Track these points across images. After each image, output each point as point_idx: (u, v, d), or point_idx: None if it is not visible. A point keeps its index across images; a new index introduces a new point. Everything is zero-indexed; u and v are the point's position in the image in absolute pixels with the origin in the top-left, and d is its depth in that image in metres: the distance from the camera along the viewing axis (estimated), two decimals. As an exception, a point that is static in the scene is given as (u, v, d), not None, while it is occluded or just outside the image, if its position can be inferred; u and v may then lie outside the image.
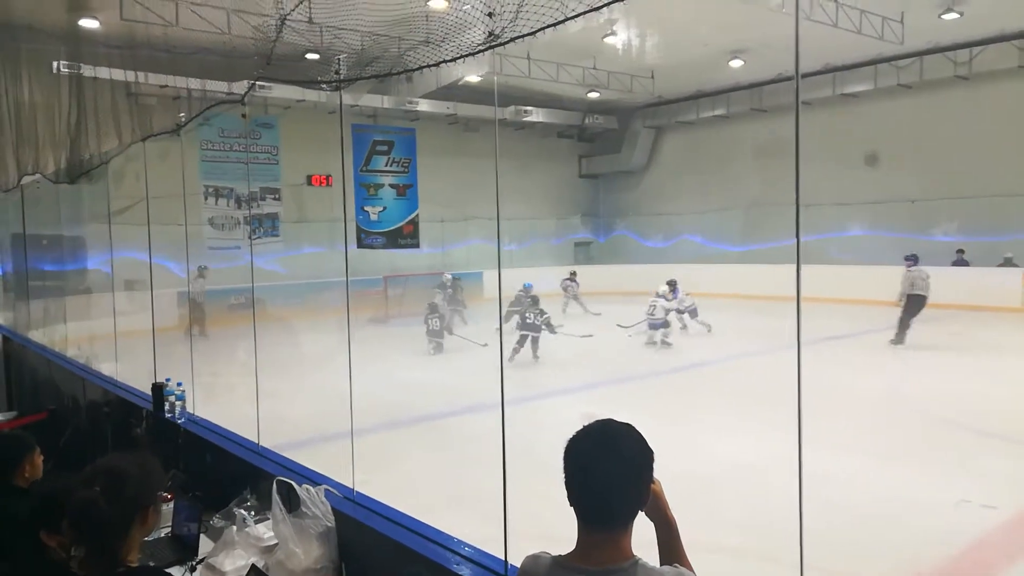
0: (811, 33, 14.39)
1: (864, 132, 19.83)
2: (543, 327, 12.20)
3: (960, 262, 17.72)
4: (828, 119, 19.99)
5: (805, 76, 19.78)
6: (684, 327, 14.60)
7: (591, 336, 14.30)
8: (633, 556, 1.56)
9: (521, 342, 12.02)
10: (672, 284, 14.60)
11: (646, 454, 1.61)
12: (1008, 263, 16.86)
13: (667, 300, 13.40)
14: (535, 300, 13.25)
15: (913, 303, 12.65)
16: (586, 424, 1.63)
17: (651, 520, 1.72)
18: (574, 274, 19.18)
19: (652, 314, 13.26)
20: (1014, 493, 5.55)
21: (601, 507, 1.56)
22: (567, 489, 1.58)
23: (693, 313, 14.61)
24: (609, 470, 1.55)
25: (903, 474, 6.06)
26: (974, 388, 9.29)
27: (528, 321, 12.15)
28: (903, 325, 12.57)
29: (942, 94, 18.42)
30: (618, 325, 14.05)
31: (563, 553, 1.61)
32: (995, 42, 16.84)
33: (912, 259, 13.31)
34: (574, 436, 1.61)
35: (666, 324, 13.20)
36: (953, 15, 15.16)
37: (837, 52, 17.57)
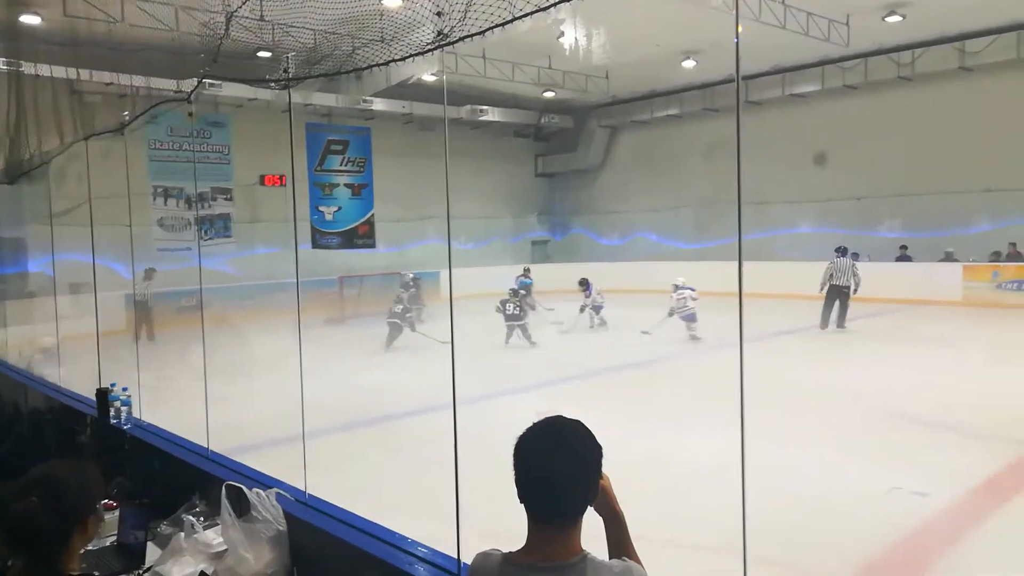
0: (760, 34, 14.70)
1: (812, 132, 20.33)
2: (525, 313, 13.54)
3: (903, 258, 18.31)
4: (777, 119, 20.44)
5: (754, 76, 20.19)
6: (592, 326, 15.13)
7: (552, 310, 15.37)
8: (582, 551, 1.58)
9: (508, 333, 13.21)
10: (584, 282, 15.48)
11: (595, 450, 1.62)
12: (949, 258, 17.47)
13: (693, 292, 13.67)
14: (514, 292, 14.13)
15: (831, 293, 13.93)
16: (536, 421, 1.64)
17: (600, 515, 1.74)
18: (527, 270, 18.98)
19: (684, 307, 13.49)
20: (951, 481, 5.74)
21: (551, 503, 1.57)
22: (517, 486, 1.59)
23: (598, 310, 15.26)
24: (558, 466, 1.56)
25: (848, 465, 6.22)
26: (918, 380, 9.59)
27: (508, 312, 13.31)
28: (824, 313, 13.96)
29: (886, 94, 18.97)
30: (642, 332, 13.90)
31: (514, 550, 1.62)
32: (936, 44, 17.41)
33: (840, 251, 14.40)
34: (524, 433, 1.62)
35: (694, 318, 13.48)
36: (896, 18, 15.64)
37: (785, 53, 17.97)
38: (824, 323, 13.90)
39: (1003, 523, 5.03)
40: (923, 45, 17.59)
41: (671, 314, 13.60)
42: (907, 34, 17.03)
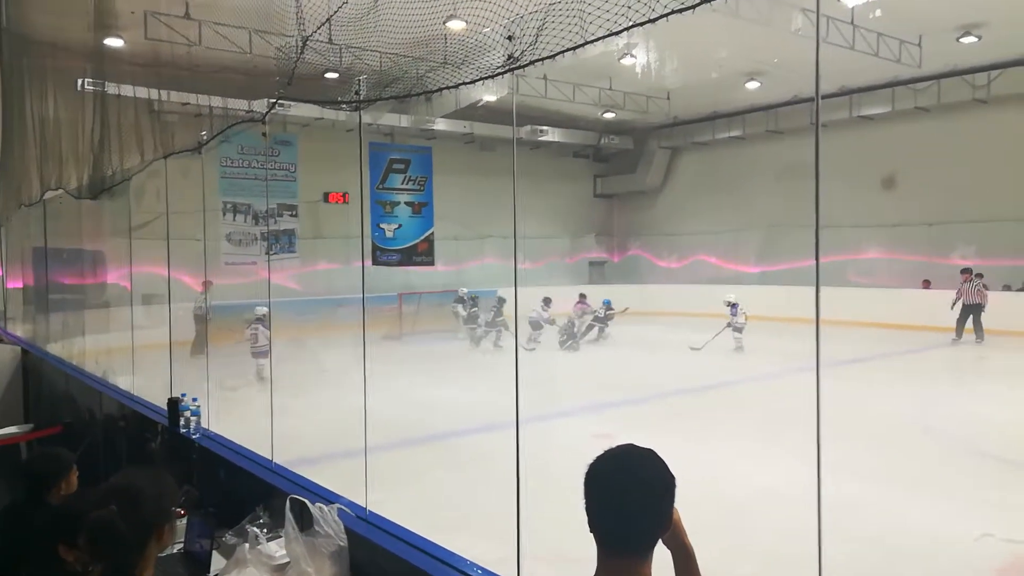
0: (828, 55, 14.39)
1: (881, 154, 19.75)
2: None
3: (979, 287, 17.52)
4: (845, 141, 19.91)
5: (823, 98, 19.75)
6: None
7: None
8: None
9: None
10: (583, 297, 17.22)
11: (668, 480, 1.59)
12: (1028, 287, 16.70)
13: (740, 308, 14.92)
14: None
15: (964, 309, 15.53)
16: (608, 448, 1.62)
17: (668, 548, 1.71)
18: (583, 296, 18.73)
19: (736, 320, 14.77)
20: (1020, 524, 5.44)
21: (622, 533, 1.55)
22: (587, 514, 1.57)
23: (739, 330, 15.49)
24: (631, 496, 1.54)
25: (926, 504, 5.95)
26: (995, 415, 9.14)
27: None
28: (958, 326, 15.51)
29: (960, 117, 18.33)
30: (691, 348, 14.63)
31: (581, 579, 1.60)
32: (1013, 66, 16.78)
33: (967, 271, 15.85)
34: (595, 460, 1.60)
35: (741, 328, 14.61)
36: (971, 39, 15.13)
37: (854, 75, 17.56)
38: (958, 335, 15.46)
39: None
40: (999, 67, 16.97)
41: (723, 329, 14.66)
42: (982, 55, 16.46)
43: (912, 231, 19.27)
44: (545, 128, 22.19)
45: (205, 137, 5.29)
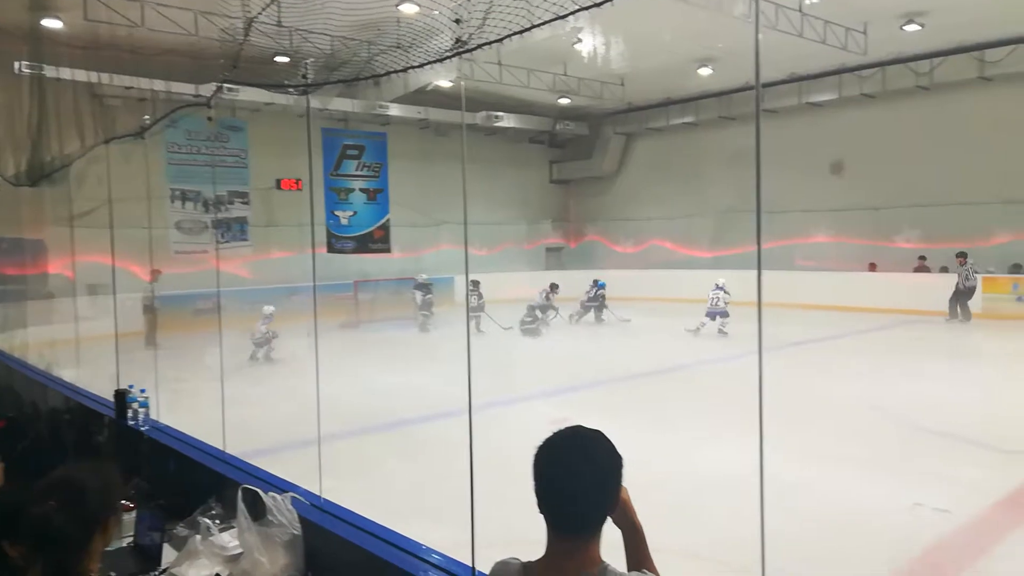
0: (776, 43, 14.62)
1: (829, 141, 20.19)
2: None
3: (922, 268, 18.12)
4: (793, 128, 20.33)
5: (771, 85, 20.09)
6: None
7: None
8: (602, 562, 1.57)
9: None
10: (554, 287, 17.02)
11: (615, 461, 1.61)
12: (968, 269, 17.28)
13: (725, 292, 14.98)
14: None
15: (964, 293, 16.05)
16: (556, 431, 1.63)
17: (618, 527, 1.73)
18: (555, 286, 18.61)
19: (716, 306, 14.98)
20: (974, 497, 5.66)
21: (571, 514, 1.57)
22: (537, 496, 1.58)
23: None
24: (579, 477, 1.56)
25: (869, 480, 6.15)
26: (937, 393, 9.48)
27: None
28: (951, 307, 16.09)
29: (904, 104, 18.82)
30: (687, 330, 15.08)
31: (532, 559, 1.61)
32: (955, 53, 17.27)
33: (963, 255, 16.17)
34: (543, 443, 1.61)
35: (726, 314, 14.80)
36: (915, 27, 15.53)
37: (802, 62, 17.88)
38: (952, 315, 16.01)
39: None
40: (942, 54, 17.45)
41: (708, 313, 15.01)
42: (926, 43, 16.90)
43: (858, 215, 19.78)
44: (500, 114, 22.12)
45: (148, 121, 5.14)
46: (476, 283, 16.72)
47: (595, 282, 17.95)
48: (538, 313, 16.05)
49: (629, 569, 1.70)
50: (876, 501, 5.60)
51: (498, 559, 1.70)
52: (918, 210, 18.71)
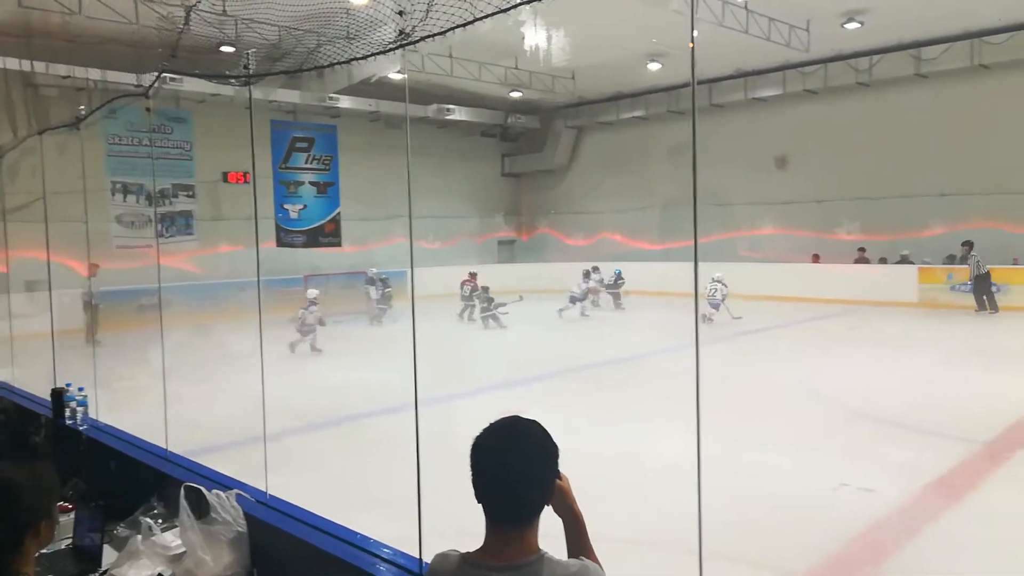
0: (722, 39, 14.89)
1: (774, 135, 20.66)
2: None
3: (861, 260, 18.70)
4: (740, 122, 20.76)
5: (717, 80, 20.46)
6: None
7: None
8: (539, 551, 1.59)
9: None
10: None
11: (551, 450, 1.63)
12: (905, 260, 17.90)
13: (723, 285, 15.50)
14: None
15: (984, 281, 15.84)
16: (492, 422, 1.65)
17: (558, 515, 1.75)
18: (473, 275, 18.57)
19: (713, 297, 15.51)
20: (907, 478, 5.89)
21: (507, 504, 1.58)
22: (474, 487, 1.60)
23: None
24: (515, 467, 1.57)
25: (806, 463, 6.35)
26: (874, 379, 9.81)
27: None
28: (978, 298, 15.91)
29: (845, 100, 19.36)
30: (704, 316, 15.32)
31: (472, 550, 1.63)
32: (893, 51, 17.82)
33: (970, 245, 16.19)
34: (480, 434, 1.63)
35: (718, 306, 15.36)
36: (855, 24, 15.97)
37: (748, 57, 18.24)
38: (980, 307, 15.83)
39: (956, 518, 5.18)
40: (880, 52, 17.98)
41: (710, 303, 15.50)
42: (865, 41, 17.40)
43: (802, 208, 20.31)
44: (452, 107, 22.03)
45: (84, 112, 4.98)
46: (474, 274, 17.49)
47: (615, 271, 19.40)
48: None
49: (569, 557, 1.72)
50: (813, 483, 5.78)
51: (455, 549, 1.71)
52: (858, 203, 19.31)
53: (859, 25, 15.98)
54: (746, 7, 14.69)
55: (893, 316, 16.03)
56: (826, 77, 19.03)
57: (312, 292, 14.25)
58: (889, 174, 18.59)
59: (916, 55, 17.56)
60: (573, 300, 17.15)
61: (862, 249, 18.85)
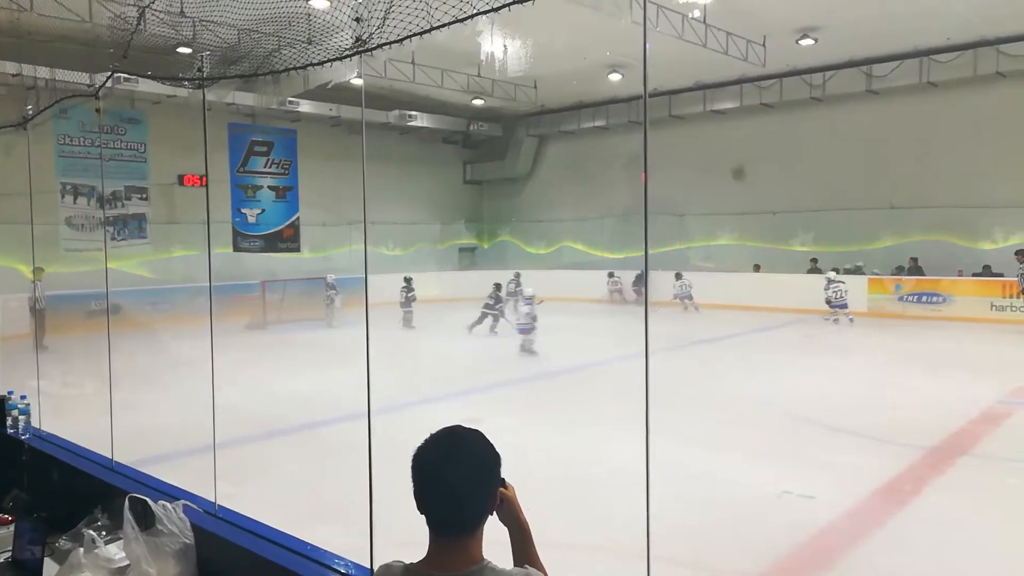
0: (682, 52, 15.14)
1: (732, 147, 21.05)
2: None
3: (814, 270, 19.14)
4: (699, 134, 21.13)
5: (677, 92, 20.78)
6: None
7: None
8: (483, 560, 1.58)
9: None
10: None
11: (492, 459, 1.63)
12: (856, 271, 18.37)
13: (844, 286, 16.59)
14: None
15: None
16: (432, 432, 1.64)
17: (504, 524, 1.75)
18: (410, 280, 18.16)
19: (839, 297, 16.55)
20: (855, 484, 6.03)
21: (447, 514, 1.57)
22: (415, 498, 1.58)
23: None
24: (455, 477, 1.56)
25: (754, 470, 6.45)
26: (825, 387, 10.03)
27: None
28: None
29: (799, 114, 19.84)
30: (834, 320, 16.40)
31: (415, 560, 1.62)
32: (845, 67, 18.31)
33: (1020, 253, 15.30)
34: (421, 445, 1.61)
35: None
36: (809, 41, 16.39)
37: (707, 70, 18.57)
38: None
39: (902, 523, 5.32)
40: (833, 68, 18.47)
41: (828, 303, 16.42)
42: (819, 57, 17.86)
43: (758, 219, 20.72)
44: (414, 113, 21.98)
45: (31, 111, 4.84)
46: (409, 280, 17.29)
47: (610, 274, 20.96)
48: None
49: (515, 565, 1.73)
50: (760, 490, 5.89)
51: (400, 560, 1.69)
52: (812, 215, 19.77)
53: (813, 42, 16.40)
54: (704, 21, 14.96)
55: (843, 326, 16.41)
56: (781, 91, 19.47)
57: (331, 277, 16.06)
58: (841, 187, 19.08)
59: (868, 72, 18.08)
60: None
61: (814, 260, 19.29)
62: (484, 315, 15.77)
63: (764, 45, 16.82)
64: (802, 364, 12.08)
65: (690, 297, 18.99)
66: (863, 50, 17.44)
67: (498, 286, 16.48)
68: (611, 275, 21.47)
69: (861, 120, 18.90)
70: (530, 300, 13.40)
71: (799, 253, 19.87)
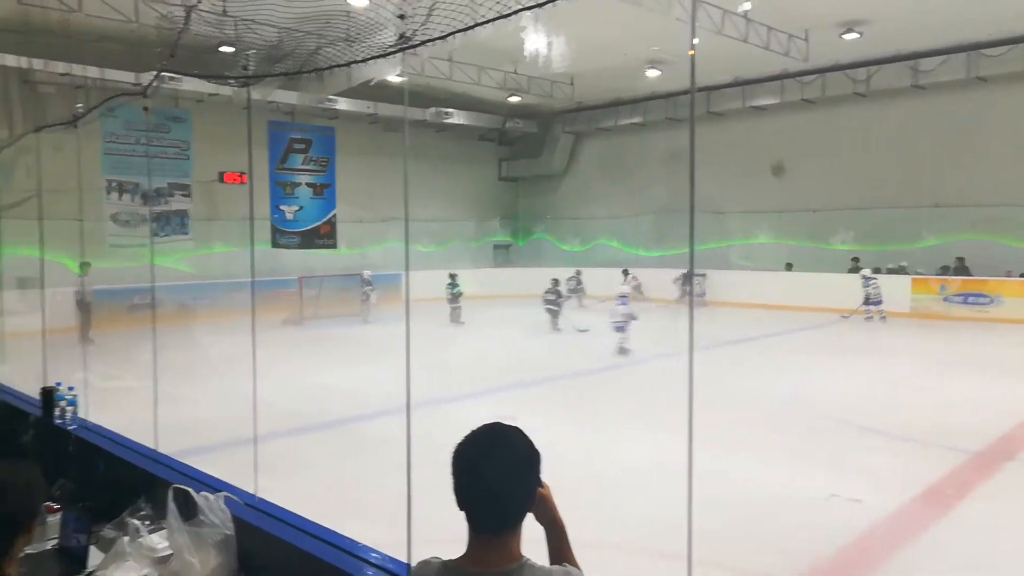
0: (721, 47, 14.94)
1: (771, 144, 20.72)
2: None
3: (855, 270, 18.75)
4: (737, 130, 20.82)
5: (716, 88, 20.51)
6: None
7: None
8: (522, 557, 1.58)
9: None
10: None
11: (532, 456, 1.62)
12: (899, 271, 17.95)
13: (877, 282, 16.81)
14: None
15: None
16: (473, 428, 1.63)
17: (540, 523, 1.74)
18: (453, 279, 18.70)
19: (877, 295, 16.64)
20: (896, 488, 5.90)
21: (489, 511, 1.57)
22: (455, 494, 1.58)
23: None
24: (496, 474, 1.56)
25: (794, 472, 6.35)
26: (866, 389, 9.82)
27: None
28: None
29: (842, 110, 19.43)
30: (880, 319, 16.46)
31: (454, 557, 1.62)
32: (891, 62, 17.90)
33: None
34: (461, 441, 1.61)
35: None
36: (853, 35, 16.04)
37: (746, 66, 18.29)
38: None
39: (946, 529, 5.19)
40: (878, 63, 18.06)
41: (866, 301, 16.59)
42: (863, 51, 17.47)
43: (797, 216, 20.37)
44: (450, 110, 22.04)
45: (81, 110, 4.96)
46: (453, 276, 17.40)
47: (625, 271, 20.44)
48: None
49: (551, 563, 1.72)
50: (800, 492, 5.79)
51: (437, 556, 1.70)
52: (853, 213, 19.37)
53: (857, 36, 16.04)
54: (746, 16, 14.74)
55: (886, 326, 16.06)
56: (824, 87, 19.11)
57: (367, 272, 16.61)
58: (884, 184, 18.66)
59: (914, 66, 17.64)
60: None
61: (855, 259, 18.90)
62: (549, 311, 15.89)
63: (806, 39, 16.51)
64: (841, 366, 11.83)
65: (703, 294, 19.26)
66: (909, 44, 17.01)
67: (556, 281, 16.47)
68: (626, 272, 20.56)
69: (905, 116, 18.45)
70: (625, 298, 13.14)
71: (839, 252, 19.49)
